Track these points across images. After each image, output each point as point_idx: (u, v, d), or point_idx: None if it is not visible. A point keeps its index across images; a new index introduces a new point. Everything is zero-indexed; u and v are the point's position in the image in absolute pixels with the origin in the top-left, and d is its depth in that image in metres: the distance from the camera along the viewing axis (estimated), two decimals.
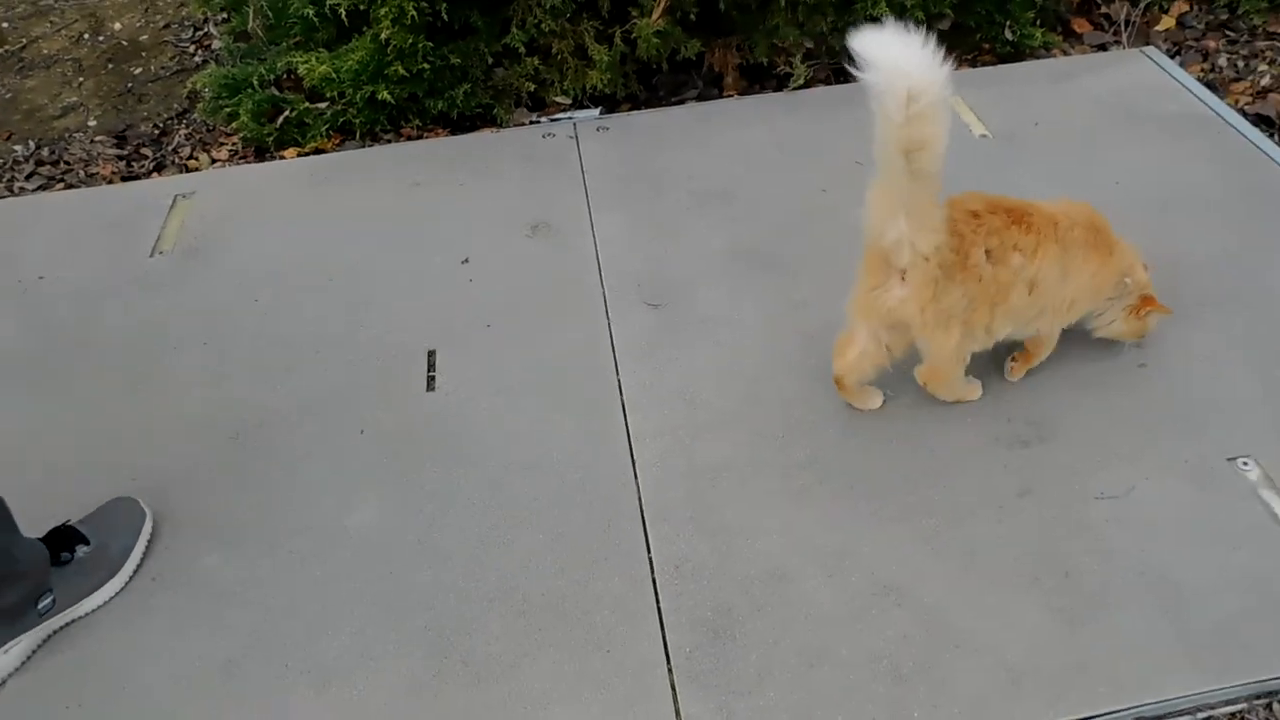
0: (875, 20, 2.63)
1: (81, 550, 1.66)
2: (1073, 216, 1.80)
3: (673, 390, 1.95)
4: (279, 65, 2.69)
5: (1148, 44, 2.96)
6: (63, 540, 1.65)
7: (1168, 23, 3.11)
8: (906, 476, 1.79)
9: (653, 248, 2.26)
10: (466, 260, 2.25)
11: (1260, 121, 2.68)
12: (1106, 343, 1.97)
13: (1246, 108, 2.75)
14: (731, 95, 2.77)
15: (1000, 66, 2.85)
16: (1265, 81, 2.86)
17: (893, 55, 1.43)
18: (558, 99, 2.67)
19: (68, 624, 1.65)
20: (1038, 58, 2.90)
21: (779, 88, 2.76)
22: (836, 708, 1.48)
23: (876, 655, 1.54)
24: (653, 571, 1.67)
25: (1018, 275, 1.72)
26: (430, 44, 2.48)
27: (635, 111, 2.68)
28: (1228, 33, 3.08)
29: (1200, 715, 1.50)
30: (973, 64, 2.89)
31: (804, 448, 1.84)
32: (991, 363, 1.87)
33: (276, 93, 2.75)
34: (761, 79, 2.81)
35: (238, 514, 1.80)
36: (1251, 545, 1.66)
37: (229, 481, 1.85)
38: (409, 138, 2.66)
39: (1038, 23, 2.94)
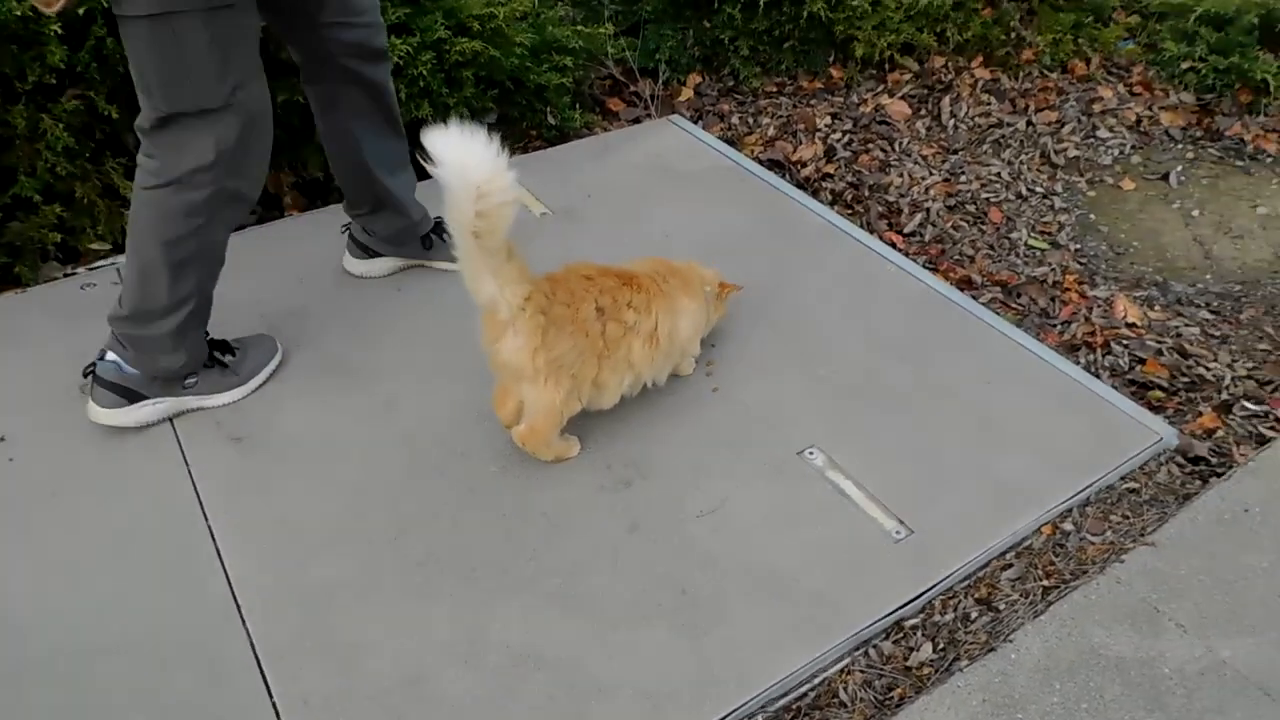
0: (423, 121, 2.76)
1: (229, 359, 2.06)
2: (660, 271, 2.02)
3: (271, 521, 1.83)
4: None
5: (674, 113, 3.35)
6: (221, 348, 2.06)
7: (687, 93, 3.55)
8: (524, 545, 1.81)
9: None
10: (2, 439, 1.96)
11: (773, 166, 3.12)
12: (682, 378, 2.16)
13: (760, 155, 3.19)
14: (293, 214, 2.71)
15: (549, 149, 3.06)
16: (770, 132, 3.34)
17: (462, 157, 1.54)
18: (94, 246, 2.44)
19: (196, 410, 2.04)
20: (581, 137, 3.16)
21: (340, 199, 2.75)
22: None
23: None
24: (278, 716, 1.53)
25: (631, 329, 1.88)
26: None
27: None
28: (736, 96, 3.57)
29: (817, 680, 1.65)
30: (524, 150, 3.08)
31: (419, 544, 1.80)
32: (584, 418, 1.97)
33: None
34: (322, 194, 2.79)
35: None
36: (827, 520, 1.88)
37: None
38: None
39: (576, 106, 3.21)
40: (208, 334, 2.04)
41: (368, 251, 2.40)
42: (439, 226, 2.38)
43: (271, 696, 1.56)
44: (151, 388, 1.98)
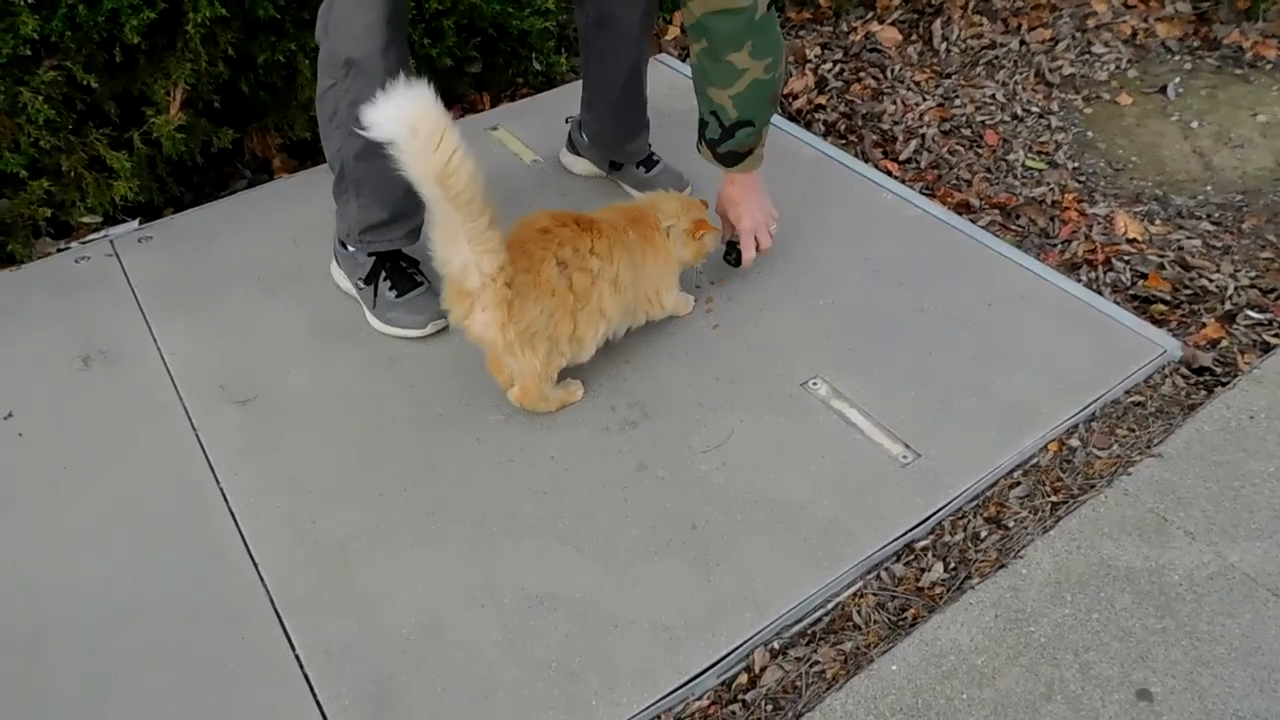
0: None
1: (391, 294, 2.13)
2: (618, 221, 1.96)
3: (281, 480, 1.84)
4: None
5: (661, 52, 3.29)
6: (397, 278, 2.15)
7: (673, 32, 3.49)
8: (533, 489, 1.82)
9: (229, 344, 2.12)
10: (9, 415, 1.97)
11: None
12: (682, 317, 2.15)
13: None
14: (283, 176, 2.69)
15: (537, 96, 3.02)
16: None
17: (400, 114, 1.49)
18: (85, 219, 2.42)
19: None
20: (567, 82, 3.11)
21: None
22: None
23: (544, 662, 1.55)
24: (301, 666, 1.56)
25: (598, 276, 1.84)
26: None
27: (180, 214, 2.50)
28: None
29: (830, 605, 1.67)
30: (511, 98, 3.04)
31: (428, 496, 1.81)
32: (586, 362, 1.97)
33: None
34: (311, 154, 2.76)
35: None
36: (833, 448, 1.89)
37: None
38: None
39: (561, 51, 3.16)
40: (407, 261, 2.16)
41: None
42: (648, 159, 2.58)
43: (294, 649, 1.58)
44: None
